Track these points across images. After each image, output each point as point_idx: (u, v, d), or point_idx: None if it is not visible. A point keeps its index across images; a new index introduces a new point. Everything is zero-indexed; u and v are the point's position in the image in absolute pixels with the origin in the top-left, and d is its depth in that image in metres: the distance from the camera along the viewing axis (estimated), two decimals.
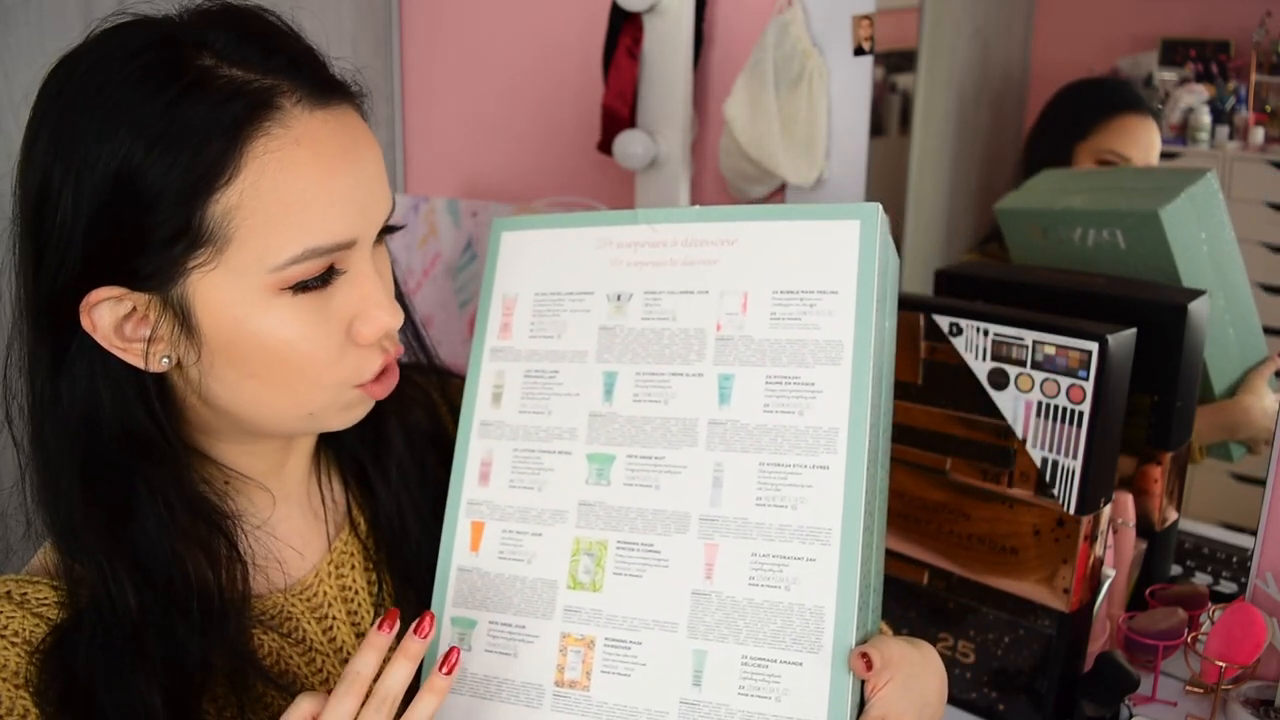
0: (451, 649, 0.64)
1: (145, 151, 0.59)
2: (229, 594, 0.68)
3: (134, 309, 0.63)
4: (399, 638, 0.65)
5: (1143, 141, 1.18)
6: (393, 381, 0.70)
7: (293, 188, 0.61)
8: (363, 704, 0.60)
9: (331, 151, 0.63)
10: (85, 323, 0.62)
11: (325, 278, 0.64)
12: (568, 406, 0.75)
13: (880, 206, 0.70)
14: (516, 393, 0.77)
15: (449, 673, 0.63)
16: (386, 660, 0.63)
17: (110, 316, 0.63)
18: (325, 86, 0.64)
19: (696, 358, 0.73)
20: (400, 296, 0.76)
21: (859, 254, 0.70)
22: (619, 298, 0.76)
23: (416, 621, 0.64)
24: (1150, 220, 1.07)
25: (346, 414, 0.70)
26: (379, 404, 0.73)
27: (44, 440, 0.65)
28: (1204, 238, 1.08)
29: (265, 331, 0.63)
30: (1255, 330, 1.09)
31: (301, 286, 0.63)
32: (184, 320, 0.62)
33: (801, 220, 0.72)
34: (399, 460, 0.80)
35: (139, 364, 0.64)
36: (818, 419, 0.69)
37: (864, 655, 0.64)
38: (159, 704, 0.63)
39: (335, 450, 0.80)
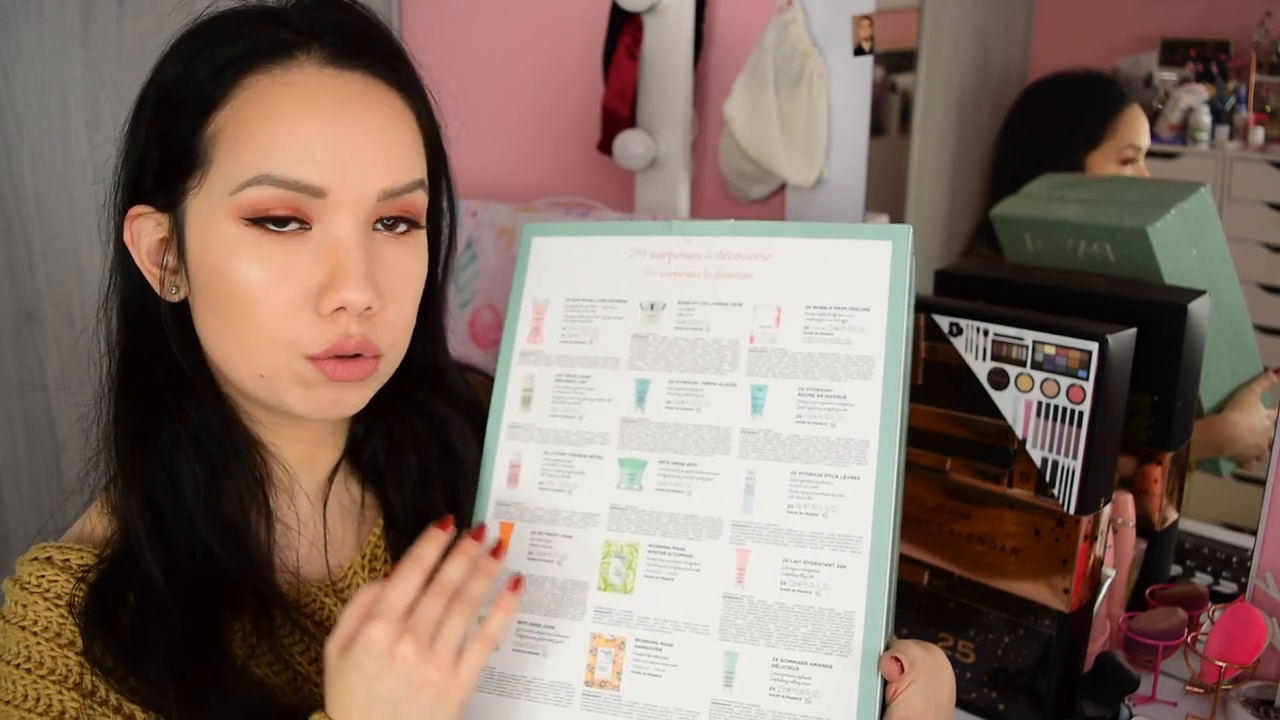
0: (518, 575, 0.69)
1: (176, 80, 0.66)
2: (257, 530, 0.71)
3: (164, 237, 0.68)
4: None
5: (1143, 135, 1.18)
6: (357, 373, 0.67)
7: (265, 117, 0.64)
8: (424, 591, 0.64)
9: (322, 100, 0.65)
10: (126, 236, 0.69)
11: (283, 222, 0.64)
12: (599, 411, 0.77)
13: (910, 229, 0.73)
14: (547, 396, 0.78)
15: (516, 590, 0.67)
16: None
17: (147, 239, 0.68)
18: (356, 55, 0.67)
19: (730, 368, 0.75)
20: (436, 314, 0.79)
21: (890, 273, 0.73)
22: (652, 306, 0.77)
23: (475, 529, 0.69)
24: (1139, 236, 1.07)
25: (306, 394, 0.67)
26: (416, 407, 0.76)
27: (111, 362, 0.71)
28: (1195, 254, 1.08)
29: (224, 262, 0.65)
30: (1249, 346, 1.09)
31: (261, 223, 0.64)
32: (180, 246, 0.67)
33: (834, 239, 0.75)
34: (435, 461, 0.80)
35: (157, 288, 0.69)
36: (849, 431, 0.71)
37: (895, 658, 0.66)
38: (185, 631, 0.66)
39: (367, 449, 0.80)
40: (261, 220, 0.64)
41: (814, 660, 0.68)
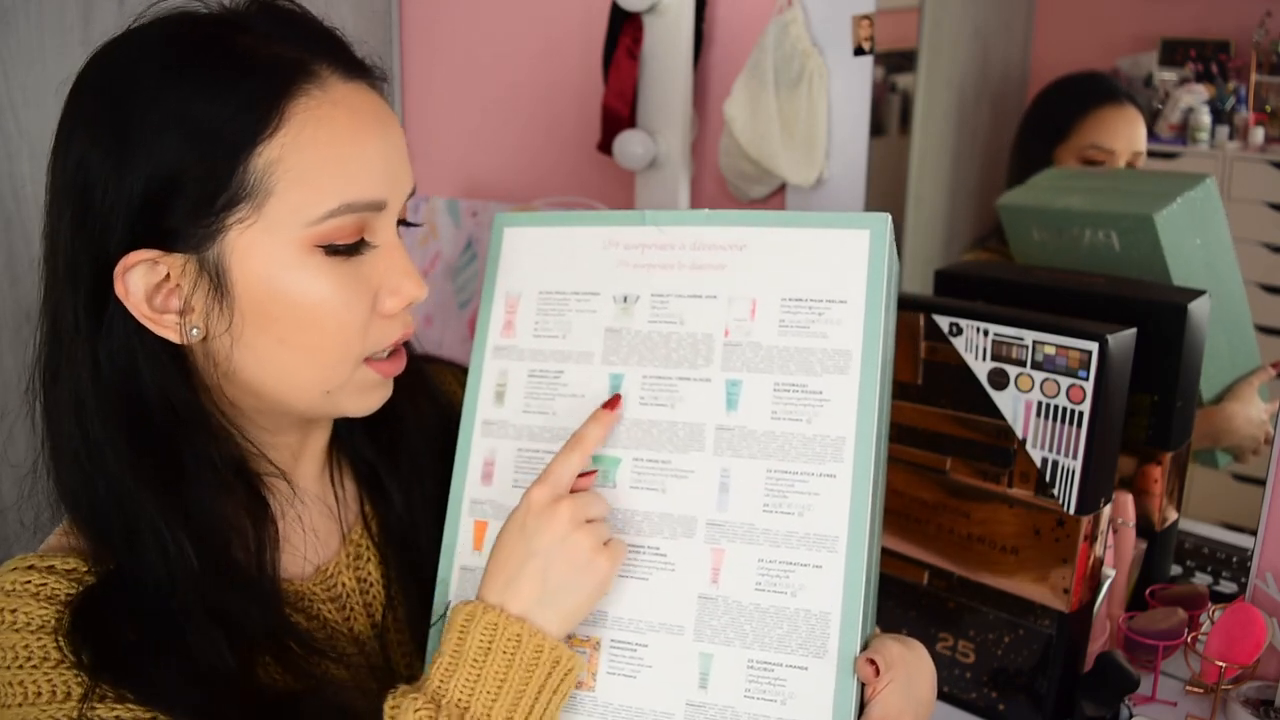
0: (615, 395, 0.73)
1: (192, 113, 0.61)
2: (271, 555, 0.70)
3: (167, 275, 0.64)
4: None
5: (1124, 132, 1.18)
6: (402, 362, 0.72)
7: (331, 143, 0.64)
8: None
9: (365, 116, 0.66)
10: (118, 288, 0.63)
11: (355, 247, 0.66)
12: (573, 408, 0.75)
13: (889, 217, 0.71)
14: (520, 392, 0.77)
15: (613, 409, 0.72)
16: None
17: (143, 284, 0.64)
18: (356, 64, 0.68)
19: (704, 363, 0.73)
20: None
21: (868, 264, 0.71)
22: (625, 299, 0.76)
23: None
24: (1144, 224, 1.07)
25: (363, 398, 0.71)
26: (392, 398, 0.74)
27: (90, 407, 0.66)
28: (1199, 244, 1.08)
29: (298, 290, 0.64)
30: (1248, 338, 1.09)
31: (333, 250, 0.65)
32: (218, 283, 0.64)
33: (811, 228, 0.73)
34: (411, 457, 0.80)
35: (169, 335, 0.65)
36: (825, 427, 0.69)
37: (871, 661, 0.65)
38: (215, 652, 0.64)
39: (347, 447, 0.80)
40: (334, 246, 0.65)
41: (789, 662, 0.67)
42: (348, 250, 0.66)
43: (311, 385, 0.68)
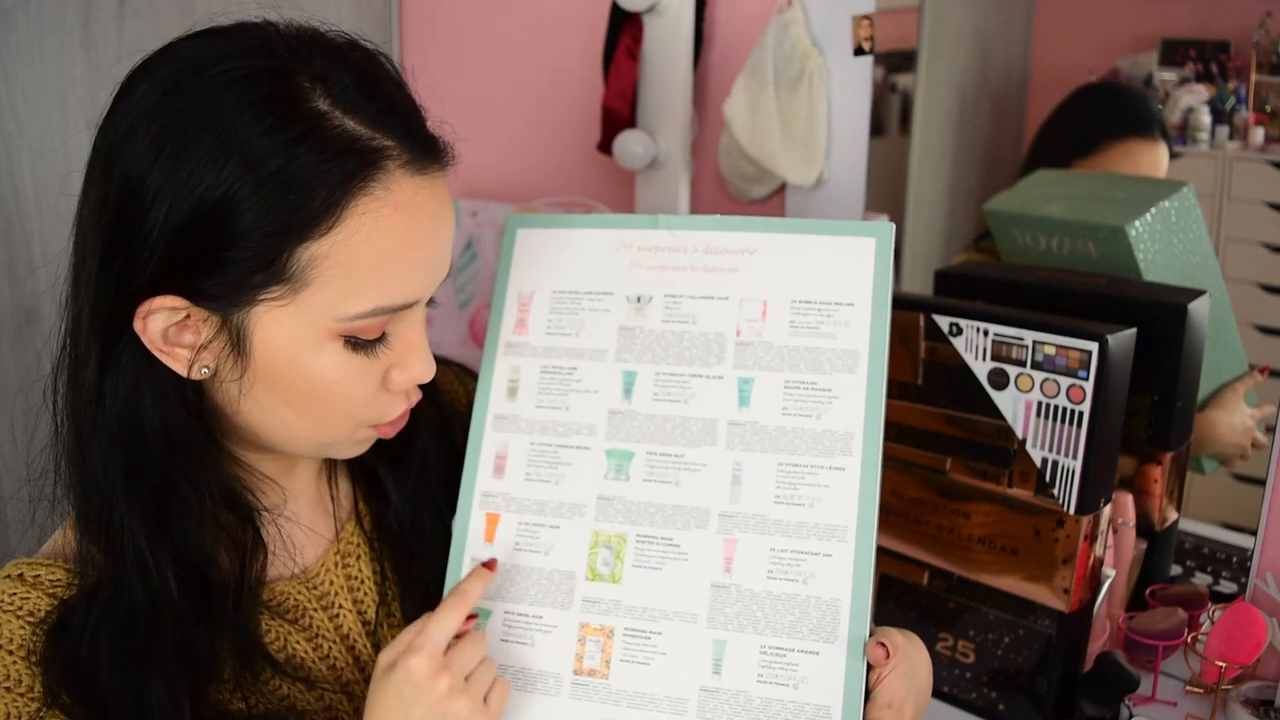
0: (491, 559, 0.74)
1: (253, 185, 0.59)
2: (248, 582, 0.70)
3: (187, 317, 0.63)
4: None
5: (1147, 169, 1.18)
6: (403, 424, 0.72)
7: (382, 250, 0.63)
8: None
9: (421, 219, 0.64)
10: (137, 325, 0.63)
11: (375, 342, 0.66)
12: (586, 403, 0.77)
13: (893, 226, 0.74)
14: (533, 388, 0.79)
15: (491, 569, 0.73)
16: None
17: (162, 323, 0.63)
18: (426, 151, 0.65)
19: (717, 360, 0.75)
20: None
21: (874, 269, 0.74)
22: (639, 299, 0.78)
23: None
24: (1117, 235, 1.07)
25: (355, 448, 0.73)
26: None
27: (86, 435, 0.66)
28: (1176, 252, 1.08)
29: (314, 370, 0.65)
30: (1234, 344, 1.09)
31: (355, 343, 0.65)
32: (236, 343, 0.64)
33: (819, 235, 0.76)
34: (410, 454, 0.81)
35: (178, 369, 0.64)
36: (834, 423, 0.72)
37: (880, 644, 0.68)
38: (169, 689, 0.65)
39: None
40: (356, 341, 0.65)
41: (801, 647, 0.69)
42: (368, 345, 0.66)
43: (309, 441, 0.69)
